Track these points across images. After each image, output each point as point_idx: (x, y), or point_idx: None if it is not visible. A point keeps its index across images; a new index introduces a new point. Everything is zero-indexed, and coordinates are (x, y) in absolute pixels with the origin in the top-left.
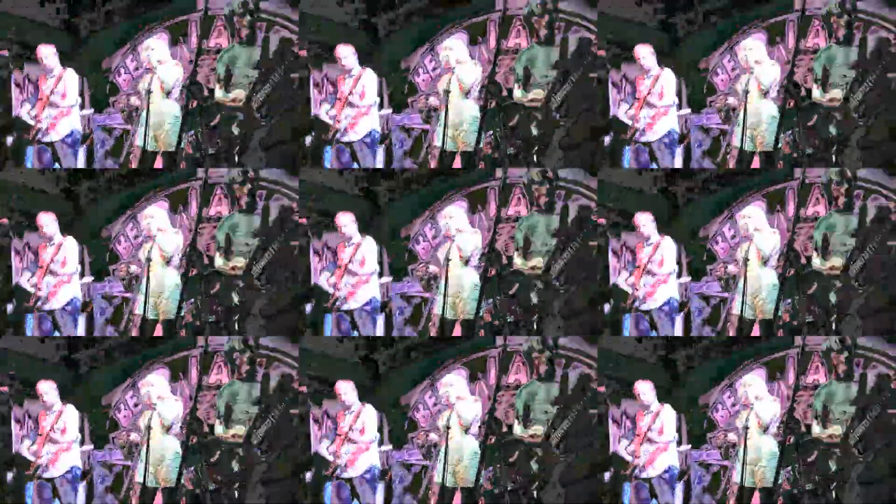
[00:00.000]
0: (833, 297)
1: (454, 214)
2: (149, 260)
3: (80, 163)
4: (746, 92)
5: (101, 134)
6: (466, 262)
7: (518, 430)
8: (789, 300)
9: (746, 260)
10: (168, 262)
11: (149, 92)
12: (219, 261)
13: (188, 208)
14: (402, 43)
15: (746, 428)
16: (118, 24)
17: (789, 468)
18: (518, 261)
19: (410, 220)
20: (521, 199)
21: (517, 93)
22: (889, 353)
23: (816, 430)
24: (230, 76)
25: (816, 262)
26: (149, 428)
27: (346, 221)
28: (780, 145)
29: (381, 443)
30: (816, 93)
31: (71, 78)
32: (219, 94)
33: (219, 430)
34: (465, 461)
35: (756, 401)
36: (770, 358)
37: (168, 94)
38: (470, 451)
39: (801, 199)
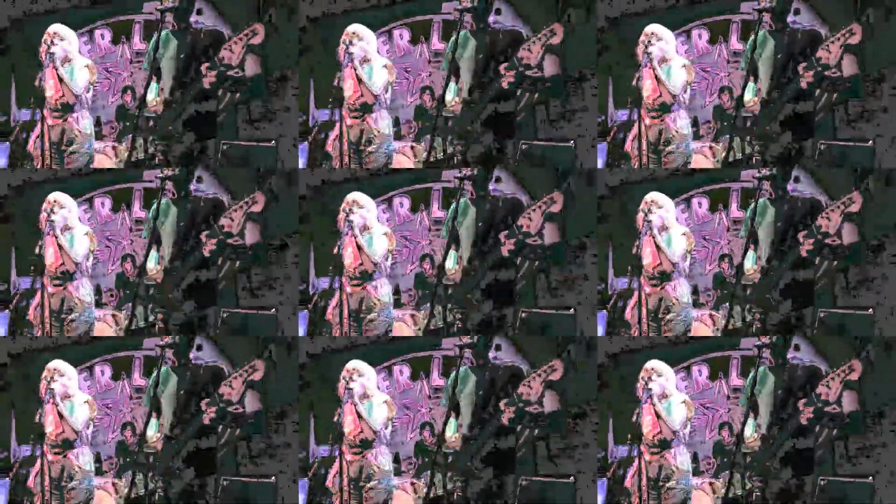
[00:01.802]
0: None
1: (364, 204)
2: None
3: None
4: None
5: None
6: (371, 276)
7: (450, 430)
8: (727, 304)
9: (638, 268)
10: (72, 275)
11: (41, 99)
12: (151, 261)
13: (131, 209)
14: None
15: (639, 431)
16: (62, 12)
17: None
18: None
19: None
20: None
21: (448, 95)
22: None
23: (748, 431)
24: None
25: (748, 262)
26: (41, 435)
27: None
28: (689, 164)
29: None
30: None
31: None
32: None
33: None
34: (375, 480)
35: (660, 401)
36: (712, 356)
37: (71, 107)
38: (383, 465)
39: (743, 200)
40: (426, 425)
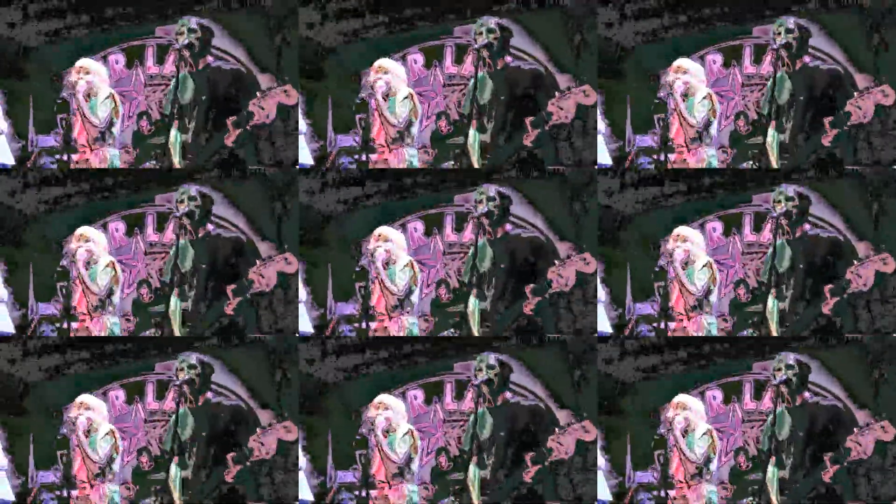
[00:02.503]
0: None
1: (391, 237)
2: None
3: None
4: (667, 141)
5: (46, 158)
6: (395, 308)
7: (472, 472)
8: (749, 330)
9: (668, 310)
10: (97, 308)
11: (67, 137)
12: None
13: (144, 232)
14: (357, 57)
15: (667, 476)
16: (76, 38)
17: None
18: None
19: (366, 233)
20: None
21: (470, 139)
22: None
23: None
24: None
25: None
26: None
27: None
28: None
29: None
30: (770, 134)
31: None
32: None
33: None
34: None
35: (684, 436)
36: (727, 381)
37: (96, 140)
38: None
39: (756, 223)
40: (442, 451)
